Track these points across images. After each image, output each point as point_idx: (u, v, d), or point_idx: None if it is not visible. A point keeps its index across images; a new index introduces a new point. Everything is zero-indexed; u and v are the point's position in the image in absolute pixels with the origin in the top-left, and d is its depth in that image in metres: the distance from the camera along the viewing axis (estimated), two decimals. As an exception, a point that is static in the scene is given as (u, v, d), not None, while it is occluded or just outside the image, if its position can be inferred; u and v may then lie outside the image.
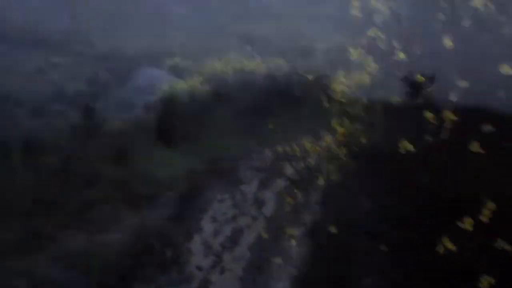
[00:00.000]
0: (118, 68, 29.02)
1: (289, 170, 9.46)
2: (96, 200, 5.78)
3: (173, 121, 10.72)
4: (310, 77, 15.33)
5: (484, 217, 3.40)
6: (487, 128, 4.00)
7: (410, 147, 3.48)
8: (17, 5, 39.45)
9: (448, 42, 3.86)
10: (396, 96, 3.97)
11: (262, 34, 50.91)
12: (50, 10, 40.98)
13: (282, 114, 12.64)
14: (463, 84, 3.51)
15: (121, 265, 5.06)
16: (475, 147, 3.91)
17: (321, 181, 3.97)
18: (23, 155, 5.61)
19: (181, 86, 13.21)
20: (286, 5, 57.38)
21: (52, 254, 4.86)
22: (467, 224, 3.17)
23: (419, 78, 3.49)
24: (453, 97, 3.55)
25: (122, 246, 5.18)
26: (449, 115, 3.53)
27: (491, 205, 3.61)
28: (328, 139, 4.86)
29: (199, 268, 5.70)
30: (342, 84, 7.27)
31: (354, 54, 4.94)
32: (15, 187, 5.27)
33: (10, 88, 26.29)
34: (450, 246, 3.09)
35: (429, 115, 3.60)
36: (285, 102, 13.04)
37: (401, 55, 3.68)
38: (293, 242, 4.05)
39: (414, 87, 3.75)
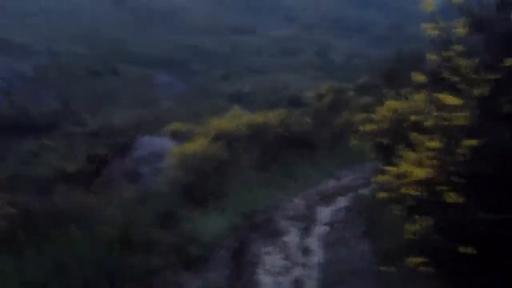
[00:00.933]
0: (114, 142, 28.96)
1: (327, 214, 9.31)
2: (157, 266, 5.53)
3: (196, 181, 10.57)
4: (318, 119, 15.38)
5: None
6: None
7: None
8: (3, 93, 39.70)
9: None
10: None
11: (247, 90, 51.78)
12: (37, 94, 41.33)
13: (300, 160, 12.56)
14: None
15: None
16: None
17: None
18: (79, 228, 5.39)
19: (192, 147, 13.09)
20: (265, 61, 58.74)
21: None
22: None
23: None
24: None
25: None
26: None
27: None
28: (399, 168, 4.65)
29: (271, 325, 5.41)
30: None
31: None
32: (78, 260, 5.02)
33: (8, 174, 26.04)
34: None
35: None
36: (300, 148, 13.00)
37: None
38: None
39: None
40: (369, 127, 8.10)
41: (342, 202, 10.27)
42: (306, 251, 7.65)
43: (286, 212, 9.42)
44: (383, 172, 6.30)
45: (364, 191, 10.79)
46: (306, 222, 8.97)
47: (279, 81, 49.92)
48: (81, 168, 24.65)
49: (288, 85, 48.30)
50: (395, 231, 6.24)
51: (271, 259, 7.21)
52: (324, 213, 9.55)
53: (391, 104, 7.72)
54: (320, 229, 8.63)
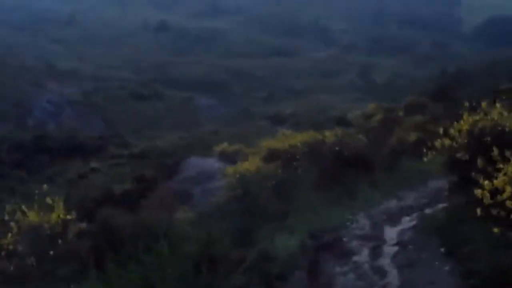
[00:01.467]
0: (160, 163, 29.20)
1: (395, 234, 8.96)
2: (240, 284, 5.34)
3: (256, 200, 10.41)
4: (372, 138, 15.07)
5: None
6: None
7: None
8: (52, 118, 40.82)
9: None
10: None
11: (289, 111, 51.67)
12: (84, 118, 42.33)
13: (358, 179, 12.25)
14: None
15: None
16: None
17: None
18: (168, 245, 5.26)
19: (246, 166, 12.98)
20: (306, 82, 58.71)
21: None
22: None
23: None
24: None
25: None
26: None
27: None
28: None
29: None
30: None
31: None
32: (165, 278, 4.88)
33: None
34: None
35: None
36: (358, 167, 12.70)
37: None
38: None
39: None
40: (445, 143, 7.80)
41: (408, 222, 9.88)
42: (380, 271, 7.33)
43: (352, 231, 9.12)
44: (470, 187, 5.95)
45: (429, 211, 10.41)
46: (375, 242, 8.63)
47: (321, 102, 49.74)
48: (128, 189, 24.82)
49: (330, 106, 48.04)
50: (489, 251, 5.88)
51: (345, 279, 6.92)
52: (392, 232, 9.18)
53: (470, 118, 7.39)
54: (390, 249, 8.27)
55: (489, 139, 7.03)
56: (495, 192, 5.13)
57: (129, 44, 60.61)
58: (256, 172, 12.51)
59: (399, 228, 9.47)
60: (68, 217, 6.94)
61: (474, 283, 5.46)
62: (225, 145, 20.73)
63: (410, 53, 62.52)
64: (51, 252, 6.02)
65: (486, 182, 5.13)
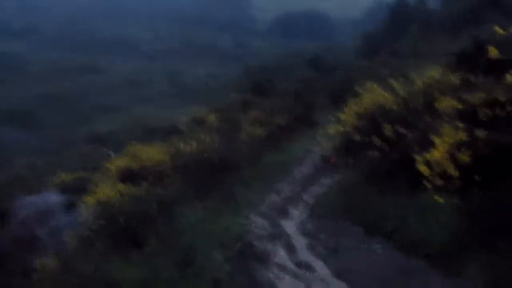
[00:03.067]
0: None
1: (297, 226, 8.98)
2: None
3: (132, 227, 9.72)
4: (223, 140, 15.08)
5: None
6: None
7: None
8: None
9: None
10: None
11: (107, 130, 49.38)
12: None
13: (230, 182, 12.11)
14: None
15: None
16: None
17: None
18: None
19: (106, 192, 12.06)
20: (115, 97, 56.55)
21: None
22: None
23: None
24: None
25: None
26: None
27: None
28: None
29: None
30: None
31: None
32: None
33: None
34: None
35: None
36: (225, 171, 12.56)
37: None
38: None
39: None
40: (337, 129, 8.04)
41: (298, 212, 10.04)
42: (307, 266, 7.28)
43: (257, 234, 8.92)
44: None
45: (308, 197, 10.75)
46: (284, 239, 8.56)
47: (137, 115, 48.50)
48: None
49: (148, 117, 47.12)
50: (418, 223, 6.18)
51: (285, 283, 6.75)
52: (291, 226, 9.24)
53: (368, 98, 7.67)
54: (301, 242, 8.29)
55: (381, 119, 7.41)
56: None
57: None
58: (125, 196, 11.61)
59: (296, 220, 9.55)
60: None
61: (421, 254, 5.65)
62: (63, 175, 18.91)
63: (214, 54, 64.39)
64: None
65: (424, 156, 5.37)
